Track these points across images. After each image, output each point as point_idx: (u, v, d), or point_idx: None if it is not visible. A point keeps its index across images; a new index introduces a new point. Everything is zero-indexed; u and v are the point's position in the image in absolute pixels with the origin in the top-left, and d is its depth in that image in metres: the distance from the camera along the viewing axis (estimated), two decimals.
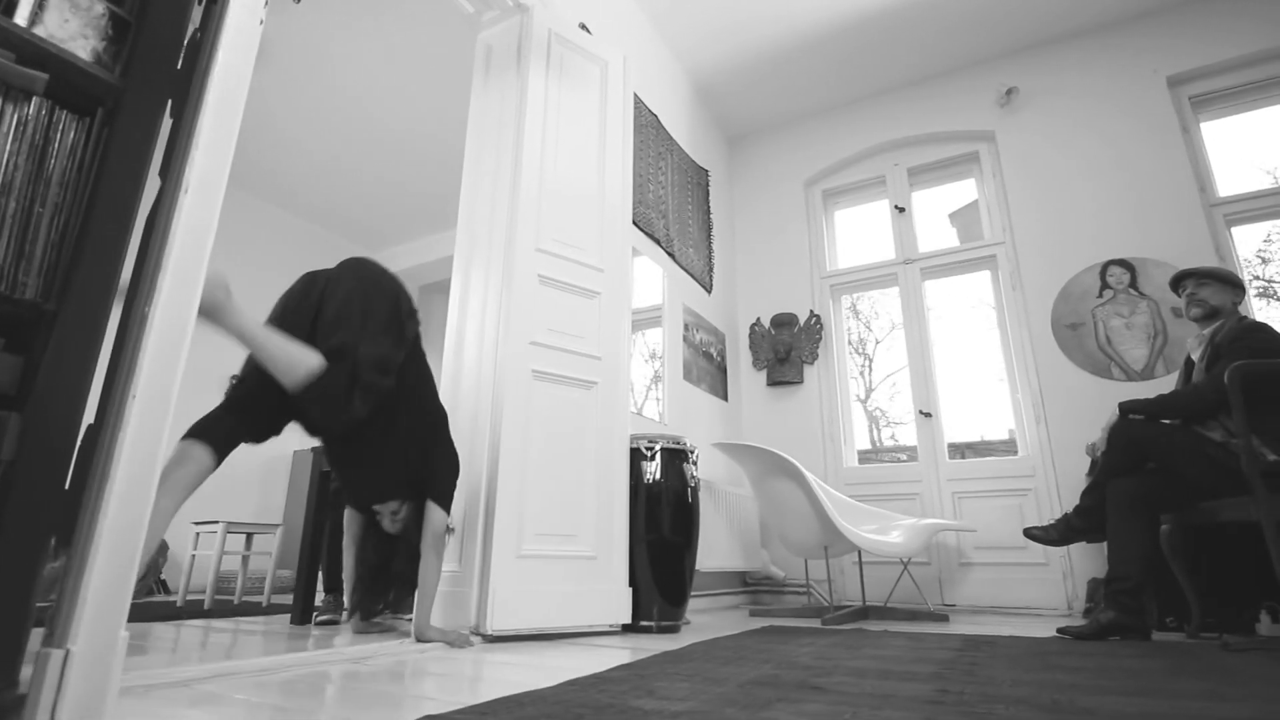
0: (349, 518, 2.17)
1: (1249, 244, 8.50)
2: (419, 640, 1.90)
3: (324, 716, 1.09)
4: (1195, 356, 2.43)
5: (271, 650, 1.91)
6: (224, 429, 1.73)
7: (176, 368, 0.85)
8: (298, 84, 4.40)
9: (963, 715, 1.11)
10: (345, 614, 2.12)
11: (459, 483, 2.23)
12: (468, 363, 2.42)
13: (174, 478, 1.61)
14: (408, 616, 2.29)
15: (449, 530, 2.01)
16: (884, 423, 11.95)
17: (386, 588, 2.01)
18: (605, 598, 2.29)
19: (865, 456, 10.36)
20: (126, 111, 1.12)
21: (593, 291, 2.59)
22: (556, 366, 2.40)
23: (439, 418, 2.04)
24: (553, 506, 2.27)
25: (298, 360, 1.71)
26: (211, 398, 5.67)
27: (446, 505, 1.96)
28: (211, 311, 1.55)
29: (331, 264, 2.03)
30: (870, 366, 12.52)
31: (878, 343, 12.69)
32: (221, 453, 1.69)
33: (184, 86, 1.21)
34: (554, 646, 1.99)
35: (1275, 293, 9.13)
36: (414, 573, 1.95)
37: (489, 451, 2.22)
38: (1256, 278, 9.21)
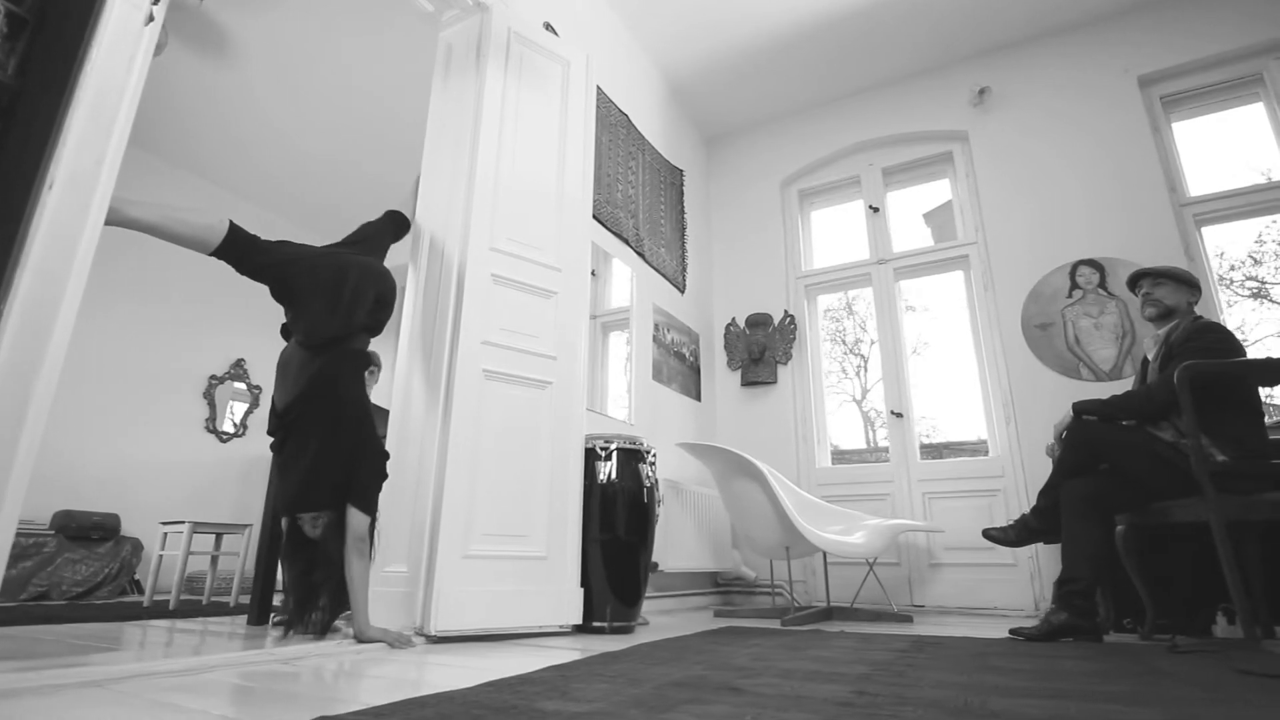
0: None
1: (1217, 244, 8.49)
2: (359, 641, 1.89)
3: (216, 716, 1.09)
4: (1151, 356, 2.42)
5: (213, 650, 1.90)
6: None
7: (40, 368, 0.84)
8: (291, 84, 4.39)
9: (865, 718, 1.10)
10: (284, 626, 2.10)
11: (408, 483, 2.23)
12: (419, 363, 2.41)
13: None
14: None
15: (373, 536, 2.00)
16: (880, 423, 11.97)
17: (312, 597, 1.99)
18: (556, 598, 2.28)
19: (860, 456, 10.36)
20: (24, 109, 1.11)
21: (549, 291, 2.58)
22: (509, 366, 2.40)
23: (368, 426, 2.04)
24: (503, 506, 2.26)
25: (202, 227, 1.80)
26: (191, 397, 5.62)
27: (366, 508, 1.94)
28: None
29: None
30: (865, 366, 12.51)
31: (873, 342, 12.71)
32: None
33: None
34: (498, 647, 1.98)
35: (1268, 294, 9.10)
36: (331, 581, 1.94)
37: (438, 451, 2.21)
38: (1249, 278, 9.17)
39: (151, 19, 1.06)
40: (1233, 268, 9.20)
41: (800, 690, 1.34)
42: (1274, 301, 9.35)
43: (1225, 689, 1.38)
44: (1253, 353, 5.53)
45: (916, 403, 4.04)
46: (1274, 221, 8.35)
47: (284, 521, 2.10)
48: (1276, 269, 9.26)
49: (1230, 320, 8.71)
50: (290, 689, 1.36)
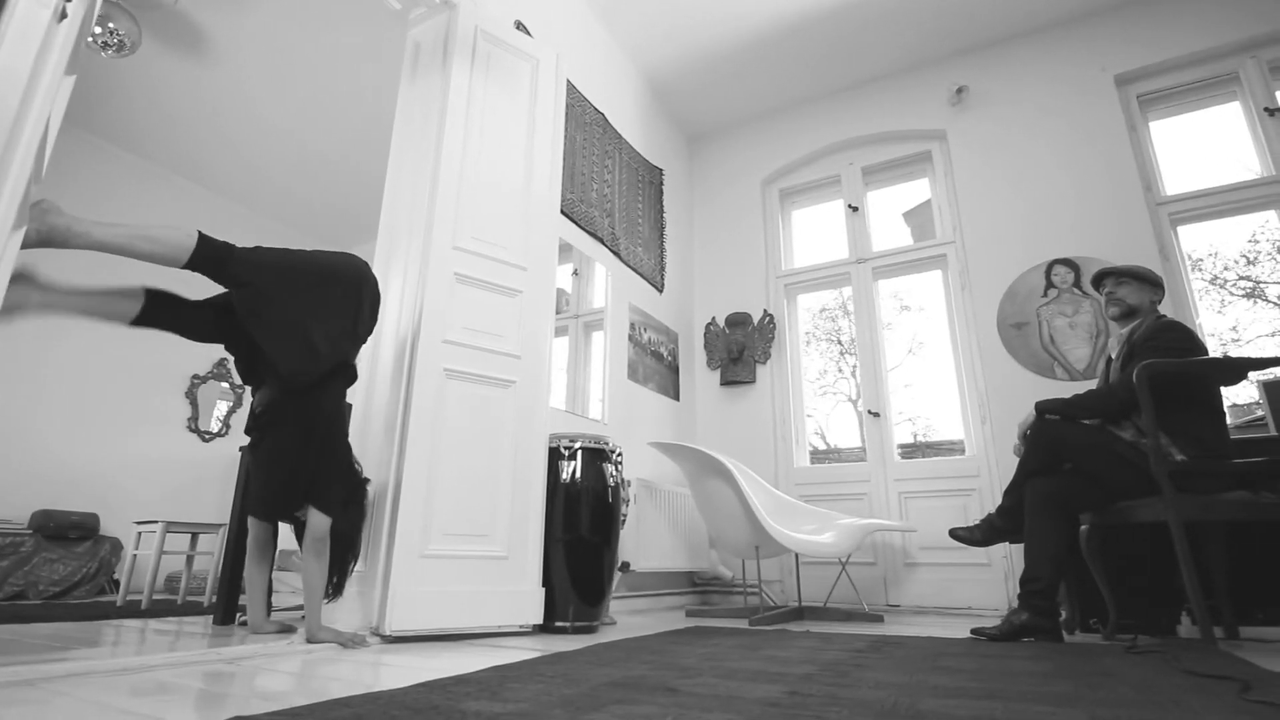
0: (255, 531, 2.16)
1: (1210, 242, 8.43)
2: (310, 641, 1.89)
3: (134, 714, 1.08)
4: (1114, 355, 2.42)
5: (168, 650, 1.90)
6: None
7: None
8: (279, 83, 4.38)
9: (788, 718, 1.09)
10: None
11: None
12: (383, 362, 2.41)
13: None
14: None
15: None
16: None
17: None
18: (516, 598, 2.27)
19: (856, 454, 10.35)
20: None
21: (514, 290, 2.58)
22: (472, 365, 2.39)
23: (339, 433, 2.04)
24: (463, 506, 2.25)
25: (171, 244, 1.70)
26: (173, 396, 5.60)
27: (327, 509, 1.95)
28: (54, 238, 1.48)
29: None
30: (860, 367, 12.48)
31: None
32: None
33: None
34: (453, 648, 1.98)
35: (1263, 293, 9.05)
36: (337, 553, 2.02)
37: (396, 450, 2.21)
38: (1243, 278, 9.11)
39: (65, 15, 1.05)
40: (1226, 267, 9.13)
41: (735, 691, 1.33)
42: (1269, 301, 9.28)
43: (1164, 690, 1.38)
44: (1248, 353, 5.53)
45: (912, 402, 4.05)
46: (1268, 221, 8.31)
47: (252, 527, 2.14)
48: (1273, 268, 9.19)
49: (1225, 320, 8.65)
50: (223, 689, 1.36)
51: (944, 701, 1.23)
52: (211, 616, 3.01)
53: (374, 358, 2.44)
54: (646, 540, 3.32)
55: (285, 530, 2.98)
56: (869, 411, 3.96)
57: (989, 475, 3.53)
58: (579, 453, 2.51)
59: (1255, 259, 9.02)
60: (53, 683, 1.37)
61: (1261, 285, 9.04)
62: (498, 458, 2.37)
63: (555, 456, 2.51)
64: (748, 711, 1.14)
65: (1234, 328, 8.60)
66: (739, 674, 1.54)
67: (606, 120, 3.88)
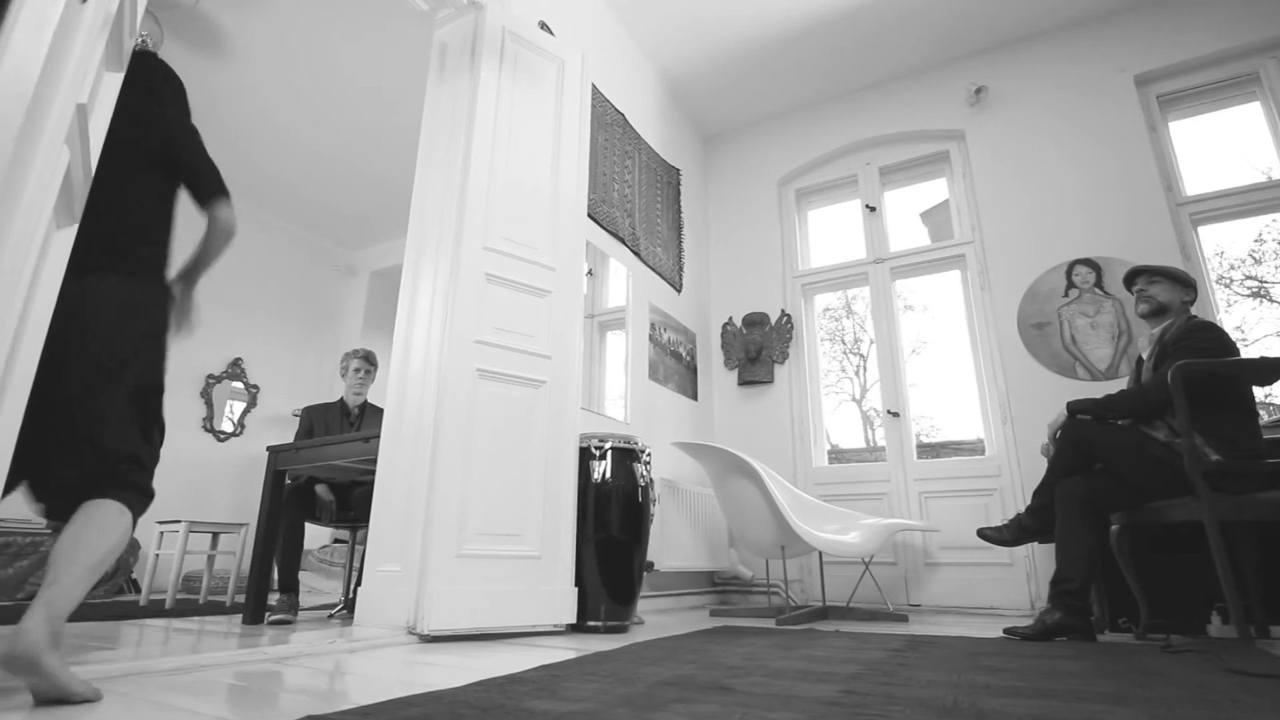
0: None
1: (1217, 243, 8.43)
2: None
3: (206, 716, 1.09)
4: (1145, 355, 2.42)
5: (205, 650, 1.90)
6: None
7: None
8: (291, 83, 4.37)
9: (852, 717, 1.10)
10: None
11: (400, 482, 2.23)
12: (414, 363, 2.41)
13: None
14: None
15: None
16: (878, 422, 11.94)
17: None
18: (549, 598, 2.28)
19: (859, 455, 10.37)
20: None
21: (543, 290, 2.58)
22: (503, 365, 2.40)
23: None
24: (497, 506, 2.26)
25: (116, 545, 1.37)
26: (189, 396, 5.60)
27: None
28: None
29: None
30: (865, 366, 12.50)
31: (871, 342, 12.68)
32: None
33: None
34: (490, 647, 1.98)
35: (1268, 293, 9.05)
36: None
37: (430, 451, 2.21)
38: (1249, 277, 9.11)
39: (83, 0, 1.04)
40: (1232, 267, 9.13)
41: (790, 690, 1.34)
42: (1274, 301, 9.28)
43: (1213, 689, 1.38)
44: (1251, 352, 5.54)
45: (916, 402, 4.04)
46: (1274, 220, 8.31)
47: None
48: (1277, 268, 9.18)
49: (1230, 320, 8.65)
50: (280, 688, 1.36)
51: (1002, 700, 1.24)
52: (239, 616, 3.03)
53: (405, 358, 2.44)
54: (669, 540, 3.33)
55: (307, 529, 2.99)
56: (889, 411, 3.96)
57: (1010, 475, 3.53)
58: (609, 452, 2.52)
59: (1261, 258, 9.02)
60: (105, 683, 1.38)
61: (1267, 285, 9.04)
62: (529, 457, 2.37)
63: (585, 456, 2.52)
64: (810, 710, 1.14)
65: (1239, 327, 8.61)
66: (786, 673, 1.54)
67: (626, 120, 3.88)
